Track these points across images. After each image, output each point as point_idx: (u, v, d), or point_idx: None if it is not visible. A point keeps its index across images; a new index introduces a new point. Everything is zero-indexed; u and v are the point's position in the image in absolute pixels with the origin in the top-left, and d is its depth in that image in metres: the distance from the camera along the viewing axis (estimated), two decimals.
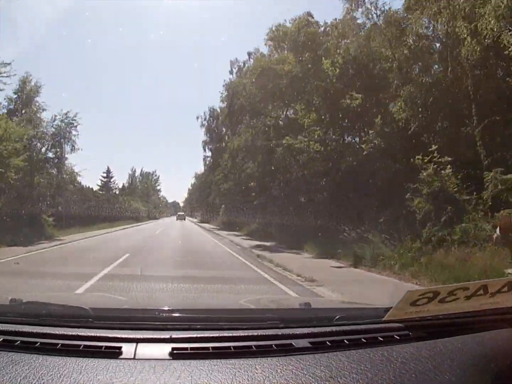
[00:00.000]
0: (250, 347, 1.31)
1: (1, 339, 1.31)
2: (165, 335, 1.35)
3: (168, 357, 1.24)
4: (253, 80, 20.61)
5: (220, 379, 1.12)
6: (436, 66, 14.34)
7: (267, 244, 17.35)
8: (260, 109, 21.70)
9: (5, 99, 22.41)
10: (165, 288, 6.47)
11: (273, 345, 1.33)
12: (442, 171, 10.13)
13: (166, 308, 1.82)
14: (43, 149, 22.58)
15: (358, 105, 14.82)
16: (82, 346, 1.27)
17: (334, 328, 1.48)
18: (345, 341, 1.39)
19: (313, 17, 19.63)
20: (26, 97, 23.11)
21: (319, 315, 1.79)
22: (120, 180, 75.63)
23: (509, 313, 1.48)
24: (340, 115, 16.21)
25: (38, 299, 1.88)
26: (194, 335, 1.37)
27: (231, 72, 32.18)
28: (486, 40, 9.83)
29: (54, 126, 22.91)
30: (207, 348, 1.29)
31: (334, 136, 16.58)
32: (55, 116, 23.02)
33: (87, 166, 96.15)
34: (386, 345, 1.39)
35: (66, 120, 22.90)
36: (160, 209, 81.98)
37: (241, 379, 1.13)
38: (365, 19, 16.46)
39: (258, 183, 25.00)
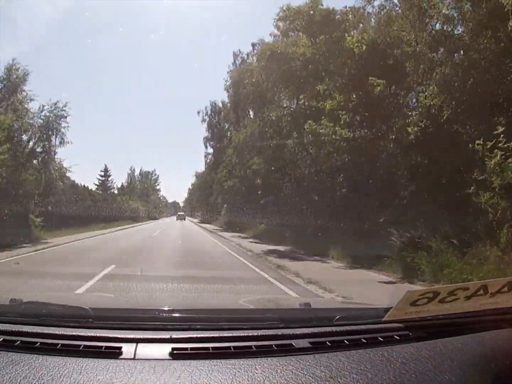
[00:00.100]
0: (250, 347, 1.31)
1: (1, 339, 1.31)
2: (165, 335, 1.35)
3: (168, 357, 1.24)
4: (262, 64, 18.08)
5: (220, 379, 1.12)
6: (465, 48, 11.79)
7: (282, 249, 15.39)
8: (269, 97, 19.27)
9: None
10: (165, 288, 6.47)
11: (273, 345, 1.33)
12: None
13: (166, 308, 1.82)
14: (30, 143, 20.31)
15: (380, 92, 12.80)
16: (82, 346, 1.27)
17: (334, 328, 1.48)
18: (345, 341, 1.39)
19: (322, 5, 17.31)
20: (12, 86, 20.85)
21: (319, 315, 1.79)
22: (119, 180, 75.18)
23: (509, 313, 1.49)
24: (366, 100, 13.53)
25: (38, 299, 1.88)
26: (194, 335, 1.37)
27: (234, 64, 31.04)
28: None
29: (42, 117, 20.54)
30: (207, 348, 1.29)
31: (364, 123, 13.98)
32: (43, 106, 20.54)
33: (85, 166, 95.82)
34: (386, 345, 1.39)
35: (55, 111, 20.58)
36: (160, 209, 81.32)
37: (241, 379, 1.13)
38: (383, 1, 14.43)
39: (265, 180, 23.21)
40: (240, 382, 1.12)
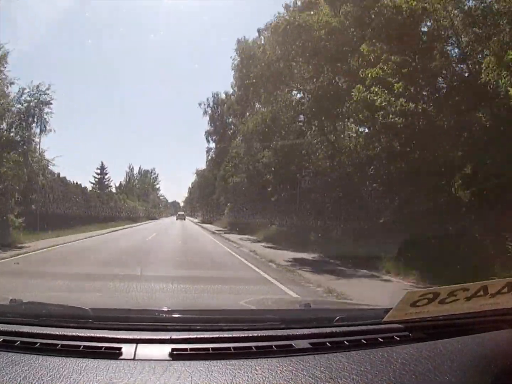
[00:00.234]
0: (250, 348, 1.31)
1: (1, 339, 1.31)
2: (165, 335, 1.35)
3: (168, 357, 1.24)
4: (277, 39, 15.34)
5: (220, 380, 1.12)
6: None
7: (309, 257, 12.29)
8: (284, 76, 16.27)
9: None
10: (165, 288, 6.46)
11: (273, 346, 1.33)
12: None
13: (166, 309, 1.82)
14: (12, 133, 17.34)
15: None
16: (82, 347, 1.27)
17: (334, 329, 1.48)
18: (345, 342, 1.39)
19: None
20: None
21: (319, 316, 1.79)
22: (117, 179, 72.88)
23: (509, 314, 1.49)
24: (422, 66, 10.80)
25: (38, 299, 1.88)
26: (194, 336, 1.37)
27: (238, 53, 28.24)
28: None
29: (21, 102, 17.84)
30: (207, 349, 1.29)
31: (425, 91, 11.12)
32: (23, 89, 17.72)
33: (84, 165, 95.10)
34: (386, 346, 1.39)
35: (36, 95, 17.88)
36: (160, 209, 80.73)
37: (241, 380, 1.13)
38: None
39: (277, 175, 20.06)
40: (240, 382, 1.12)
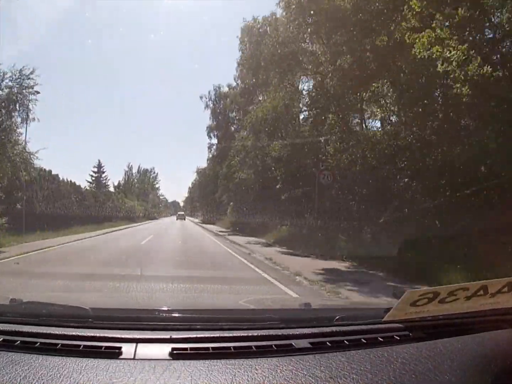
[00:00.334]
0: (250, 347, 1.31)
1: (1, 339, 1.31)
2: (165, 335, 1.35)
3: (168, 357, 1.24)
4: (289, 17, 13.59)
5: (220, 380, 1.12)
6: None
7: (342, 267, 9.75)
8: (299, 58, 14.47)
9: None
10: (165, 288, 6.46)
11: (273, 346, 1.33)
12: None
13: (166, 308, 1.83)
14: None
15: None
16: (82, 346, 1.27)
17: (334, 329, 1.48)
18: (345, 341, 1.39)
19: None
20: None
21: (319, 315, 1.80)
22: (116, 179, 69.83)
23: (509, 313, 1.49)
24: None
25: (38, 299, 1.88)
26: (194, 335, 1.37)
27: (241, 42, 25.81)
28: None
29: (2, 87, 16.17)
30: (207, 348, 1.29)
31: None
32: (4, 74, 15.90)
33: (83, 166, 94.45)
34: (386, 345, 1.39)
35: (19, 80, 16.14)
36: (160, 209, 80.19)
37: (241, 380, 1.13)
38: None
39: (288, 170, 17.98)
40: (240, 382, 1.12)
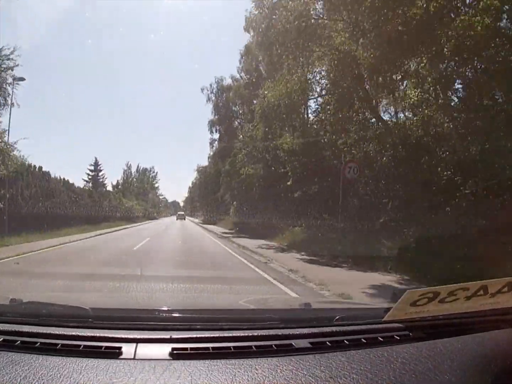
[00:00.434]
0: (250, 347, 1.31)
1: (1, 339, 1.31)
2: (165, 335, 1.35)
3: (168, 357, 1.24)
4: None
5: (220, 379, 1.12)
6: None
7: (392, 282, 7.69)
8: (320, 29, 12.64)
9: None
10: (165, 288, 6.46)
11: (273, 345, 1.33)
12: None
13: (166, 308, 1.83)
14: None
15: None
16: (82, 346, 1.27)
17: (334, 329, 1.48)
18: (345, 341, 1.39)
19: None
20: None
21: (319, 315, 1.80)
22: (115, 179, 68.33)
23: (509, 313, 1.49)
24: None
25: (38, 299, 1.88)
26: (194, 335, 1.37)
27: (246, 29, 23.11)
28: None
29: None
30: (207, 348, 1.29)
31: None
32: None
33: (80, 165, 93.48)
34: (386, 345, 1.39)
35: None
36: (160, 209, 79.63)
37: (241, 379, 1.13)
38: None
39: (302, 164, 15.74)
40: (240, 382, 1.12)
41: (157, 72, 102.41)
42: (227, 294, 5.45)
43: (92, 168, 48.30)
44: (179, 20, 63.83)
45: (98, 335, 1.34)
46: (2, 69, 15.15)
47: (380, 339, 1.43)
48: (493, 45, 8.27)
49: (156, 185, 75.12)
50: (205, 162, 45.36)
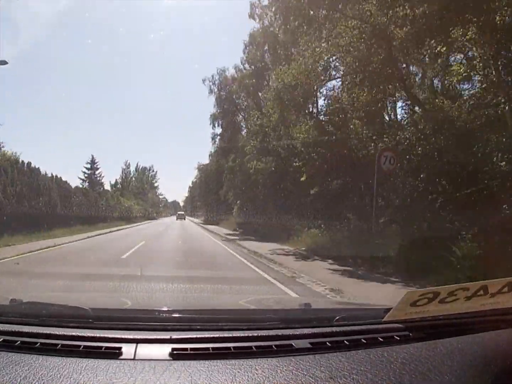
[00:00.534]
0: (250, 347, 1.31)
1: (1, 339, 1.31)
2: (165, 335, 1.36)
3: (168, 357, 1.25)
4: None
5: (220, 380, 1.13)
6: None
7: None
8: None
9: None
10: (165, 288, 6.47)
11: (273, 346, 1.33)
12: None
13: (166, 309, 1.83)
14: None
15: None
16: (82, 347, 1.27)
17: (334, 329, 1.48)
18: (345, 341, 1.39)
19: None
20: None
21: (319, 315, 1.80)
22: (113, 179, 66.04)
23: (509, 313, 1.49)
24: None
25: (38, 299, 1.88)
26: (194, 336, 1.37)
27: (251, 16, 22.96)
28: None
29: None
30: (207, 349, 1.29)
31: None
32: None
33: (78, 164, 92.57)
34: (386, 345, 1.39)
35: None
36: (160, 209, 79.00)
37: (241, 380, 1.13)
38: None
39: (322, 154, 13.60)
40: (240, 382, 1.12)
41: (156, 71, 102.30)
42: (227, 295, 5.45)
43: (89, 166, 46.75)
44: (179, 15, 63.63)
45: (98, 335, 1.34)
46: None
47: (380, 339, 1.43)
48: None
49: (155, 184, 74.15)
50: (205, 161, 43.95)
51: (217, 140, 34.28)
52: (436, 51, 10.17)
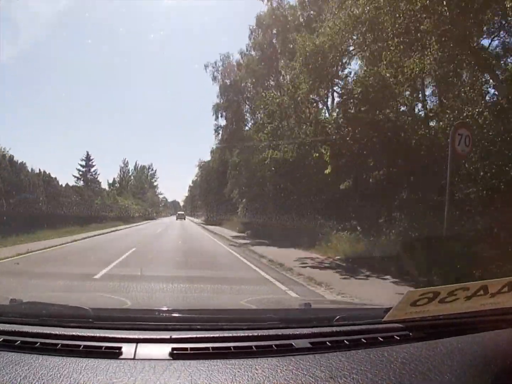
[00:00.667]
0: (250, 347, 1.31)
1: (1, 339, 1.31)
2: (165, 335, 1.36)
3: (168, 357, 1.25)
4: None
5: (220, 379, 1.13)
6: None
7: None
8: None
9: None
10: (165, 288, 6.47)
11: (273, 345, 1.33)
12: None
13: (166, 308, 1.83)
14: None
15: None
16: (82, 346, 1.27)
17: (334, 329, 1.48)
18: (345, 341, 1.39)
19: None
20: None
21: (319, 315, 1.80)
22: (110, 177, 65.08)
23: (509, 313, 1.49)
24: None
25: (38, 299, 1.88)
26: (194, 335, 1.37)
27: None
28: None
29: None
30: (207, 348, 1.29)
31: None
32: None
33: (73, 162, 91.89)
34: (386, 345, 1.39)
35: None
36: (159, 209, 77.99)
37: (241, 379, 1.13)
38: None
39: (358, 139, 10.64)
40: (240, 382, 1.12)
41: (156, 71, 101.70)
42: (227, 294, 5.46)
43: (84, 163, 43.37)
44: (179, 15, 62.58)
45: (98, 335, 1.34)
46: None
47: (380, 339, 1.43)
48: None
49: (155, 184, 72.69)
50: (206, 158, 41.20)
51: (220, 132, 30.75)
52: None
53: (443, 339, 1.43)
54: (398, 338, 1.44)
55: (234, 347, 1.31)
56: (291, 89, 13.19)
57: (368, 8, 9.75)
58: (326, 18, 12.00)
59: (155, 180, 72.87)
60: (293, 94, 13.15)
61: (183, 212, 66.71)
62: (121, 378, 1.11)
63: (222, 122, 29.92)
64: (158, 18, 60.24)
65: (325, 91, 12.73)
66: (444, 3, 8.39)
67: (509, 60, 10.72)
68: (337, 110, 11.66)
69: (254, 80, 25.24)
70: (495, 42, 11.21)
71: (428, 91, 13.47)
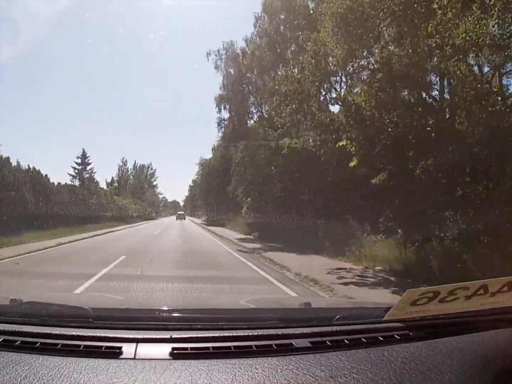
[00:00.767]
0: (250, 347, 1.32)
1: (1, 339, 1.31)
2: (166, 335, 1.36)
3: (168, 357, 1.25)
4: None
5: (220, 379, 1.13)
6: None
7: None
8: None
9: None
10: (165, 288, 6.47)
11: (273, 345, 1.33)
12: None
13: (166, 308, 1.83)
14: None
15: None
16: (82, 346, 1.27)
17: (334, 328, 1.48)
18: (345, 340, 1.39)
19: None
20: None
21: (319, 314, 1.80)
22: (109, 176, 62.16)
23: (509, 312, 1.49)
24: None
25: (38, 299, 1.88)
26: (195, 335, 1.37)
27: None
28: None
29: None
30: (208, 348, 1.29)
31: None
32: None
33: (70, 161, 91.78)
34: (386, 344, 1.39)
35: None
36: (159, 208, 77.37)
37: (241, 379, 1.13)
38: None
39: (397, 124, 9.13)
40: (240, 381, 1.12)
41: (156, 71, 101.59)
42: (228, 294, 5.46)
43: (79, 161, 41.36)
44: (179, 15, 62.57)
45: (98, 335, 1.34)
46: None
47: (380, 338, 1.43)
48: None
49: (154, 183, 71.70)
50: (208, 156, 39.48)
51: (223, 125, 28.61)
52: None
53: (443, 339, 1.43)
54: (398, 337, 1.44)
55: (234, 346, 1.31)
56: (317, 58, 10.85)
57: None
58: None
59: (155, 180, 72.35)
60: (316, 67, 10.74)
61: (183, 212, 66.66)
62: (122, 378, 1.11)
63: (226, 114, 27.76)
64: (158, 18, 60.23)
65: (363, 61, 10.29)
66: None
67: None
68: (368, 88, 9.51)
69: (260, 69, 22.75)
70: None
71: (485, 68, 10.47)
